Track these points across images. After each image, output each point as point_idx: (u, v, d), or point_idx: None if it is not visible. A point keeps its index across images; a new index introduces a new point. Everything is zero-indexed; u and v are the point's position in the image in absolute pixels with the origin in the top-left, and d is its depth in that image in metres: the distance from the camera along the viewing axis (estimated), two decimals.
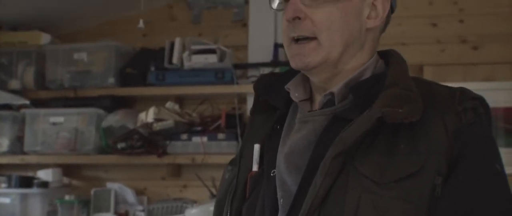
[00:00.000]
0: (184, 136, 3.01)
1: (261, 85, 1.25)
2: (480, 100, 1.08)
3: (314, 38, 1.08)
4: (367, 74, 1.12)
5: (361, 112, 1.05)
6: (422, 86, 1.09)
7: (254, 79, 2.99)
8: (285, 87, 1.17)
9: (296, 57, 1.10)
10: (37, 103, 3.19)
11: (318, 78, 1.13)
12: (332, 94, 1.11)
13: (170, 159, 3.04)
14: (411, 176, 1.00)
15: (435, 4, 3.09)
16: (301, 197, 1.04)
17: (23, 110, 3.17)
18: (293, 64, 1.12)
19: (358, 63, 1.12)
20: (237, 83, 3.01)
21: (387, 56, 1.16)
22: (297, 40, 1.10)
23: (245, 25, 3.29)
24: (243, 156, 1.21)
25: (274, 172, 1.12)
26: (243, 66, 3.13)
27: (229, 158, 2.89)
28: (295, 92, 1.16)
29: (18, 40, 3.25)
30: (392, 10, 1.16)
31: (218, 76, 3.00)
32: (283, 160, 1.11)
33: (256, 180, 1.15)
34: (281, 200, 1.09)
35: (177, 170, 3.20)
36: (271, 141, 1.17)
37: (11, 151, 3.16)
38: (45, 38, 3.25)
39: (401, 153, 1.01)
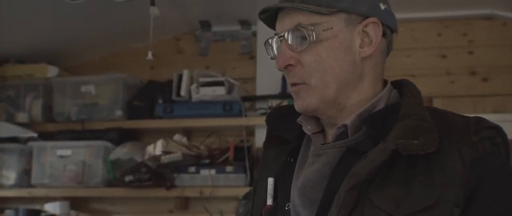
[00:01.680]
0: (192, 169, 2.99)
1: (273, 118, 1.24)
2: (497, 129, 1.05)
3: (303, 83, 1.09)
4: (381, 105, 1.11)
5: (375, 144, 1.03)
6: (437, 116, 1.07)
7: (262, 111, 2.99)
8: (297, 120, 1.16)
9: (297, 101, 1.12)
10: (44, 136, 3.18)
11: (324, 117, 1.13)
12: (345, 126, 1.09)
13: (178, 192, 3.01)
14: (428, 209, 0.97)
15: (444, 36, 3.09)
16: None
17: (30, 143, 3.16)
18: (296, 107, 1.13)
19: (365, 95, 1.11)
20: (246, 116, 3.00)
21: (400, 86, 1.14)
22: (292, 85, 1.11)
23: (252, 57, 3.30)
24: (257, 190, 1.19)
25: (288, 205, 1.10)
26: (252, 99, 3.12)
27: (237, 191, 2.90)
28: (307, 125, 1.15)
29: (25, 73, 3.26)
30: (391, 30, 1.14)
31: (226, 108, 2.99)
32: (297, 194, 1.09)
33: (270, 214, 1.13)
34: None
35: (185, 203, 3.16)
36: (284, 174, 1.15)
37: (19, 184, 3.15)
38: (52, 71, 3.25)
39: (417, 185, 0.99)
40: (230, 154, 2.98)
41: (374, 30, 1.10)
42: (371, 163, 0.99)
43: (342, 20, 1.08)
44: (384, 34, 1.11)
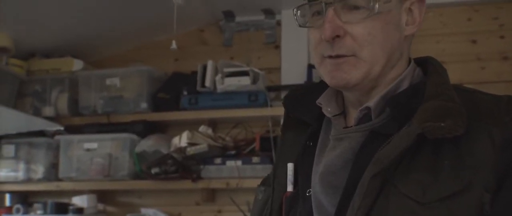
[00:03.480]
0: (218, 160, 2.96)
1: (290, 100, 1.19)
2: None
3: (352, 55, 1.02)
4: (405, 85, 1.05)
5: (400, 127, 0.98)
6: (465, 95, 1.01)
7: None
8: (317, 102, 1.11)
9: (335, 73, 1.03)
10: (70, 130, 3.19)
11: (356, 94, 1.07)
12: (368, 108, 1.04)
13: (204, 183, 2.99)
14: (457, 194, 0.92)
15: (474, 20, 3.00)
16: None
17: (57, 137, 3.17)
18: (332, 82, 1.05)
19: (396, 73, 1.06)
20: (271, 106, 2.96)
21: (425, 64, 1.09)
22: (333, 57, 1.03)
23: (277, 47, 3.25)
24: (277, 176, 1.16)
25: (309, 191, 1.06)
26: (277, 88, 3.08)
27: None
28: (327, 107, 1.10)
29: (51, 67, 3.26)
30: None
31: (252, 98, 2.96)
32: (318, 180, 1.05)
33: (291, 200, 1.09)
34: None
35: (211, 195, 3.14)
36: (304, 159, 1.11)
37: (46, 178, 3.16)
38: (77, 65, 3.26)
39: (445, 170, 0.93)
40: (256, 145, 2.95)
41: (419, 8, 1.06)
42: (395, 149, 0.94)
43: None
44: None
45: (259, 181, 2.95)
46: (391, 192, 0.94)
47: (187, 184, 2.99)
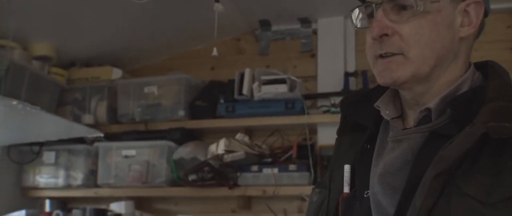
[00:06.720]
0: (255, 168, 2.97)
1: (347, 104, 1.21)
2: None
3: (400, 54, 1.04)
4: (465, 88, 1.06)
5: (460, 129, 0.99)
6: None
7: (325, 109, 2.96)
8: (375, 105, 1.13)
9: (384, 72, 1.06)
10: (109, 137, 3.24)
11: (410, 94, 1.09)
12: (428, 110, 1.05)
13: (241, 191, 3.00)
14: None
15: None
16: None
17: (96, 144, 3.22)
18: (381, 81, 1.08)
19: (453, 76, 1.07)
20: (308, 114, 2.97)
21: (485, 68, 1.09)
22: (382, 56, 1.06)
23: (313, 55, 3.27)
24: (333, 177, 1.17)
25: (367, 193, 1.07)
26: (314, 96, 3.09)
27: (301, 189, 2.87)
28: (385, 109, 1.12)
29: (90, 75, 3.33)
30: (486, 14, 1.10)
31: (288, 106, 2.97)
32: (377, 181, 1.06)
33: (348, 202, 1.11)
34: None
35: (247, 203, 3.16)
36: (362, 161, 1.12)
37: (85, 185, 3.21)
38: (116, 73, 3.31)
39: (508, 171, 0.94)
40: (293, 152, 2.95)
41: (475, 10, 1.07)
42: (459, 148, 0.94)
43: None
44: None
45: (295, 189, 2.97)
46: (453, 192, 0.94)
47: (223, 191, 3.00)
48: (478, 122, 0.96)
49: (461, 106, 1.02)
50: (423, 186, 0.95)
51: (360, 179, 1.10)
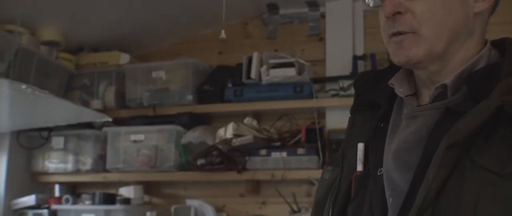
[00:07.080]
0: (263, 152, 2.98)
1: (361, 83, 1.20)
2: None
3: (411, 32, 1.03)
4: (481, 64, 1.05)
5: (476, 105, 0.98)
6: None
7: (333, 93, 2.95)
8: (389, 83, 1.12)
9: (398, 51, 1.05)
10: (117, 122, 3.25)
11: (424, 72, 1.08)
12: (443, 86, 1.04)
13: (250, 175, 3.01)
14: None
15: None
16: (413, 195, 0.97)
17: (105, 129, 3.23)
18: (395, 60, 1.07)
19: (469, 53, 1.06)
20: (316, 97, 2.96)
21: (502, 46, 1.09)
22: (395, 34, 1.05)
23: (321, 39, 3.26)
24: (346, 156, 1.16)
25: (381, 170, 1.06)
26: (322, 80, 3.08)
27: (309, 173, 2.87)
28: (400, 87, 1.11)
29: (98, 60, 3.33)
30: None
31: (297, 90, 2.96)
32: (391, 158, 1.05)
33: (361, 180, 1.10)
34: (391, 199, 1.03)
35: (256, 187, 3.16)
36: (375, 139, 1.11)
37: (94, 169, 3.23)
38: (124, 58, 3.31)
39: None
40: (302, 136, 2.95)
41: None
42: (474, 121, 0.94)
43: None
44: None
45: (304, 173, 2.97)
46: (467, 166, 0.93)
47: (232, 175, 3.01)
48: (493, 96, 0.95)
49: (477, 83, 1.01)
50: (436, 158, 0.94)
51: (373, 157, 1.10)
